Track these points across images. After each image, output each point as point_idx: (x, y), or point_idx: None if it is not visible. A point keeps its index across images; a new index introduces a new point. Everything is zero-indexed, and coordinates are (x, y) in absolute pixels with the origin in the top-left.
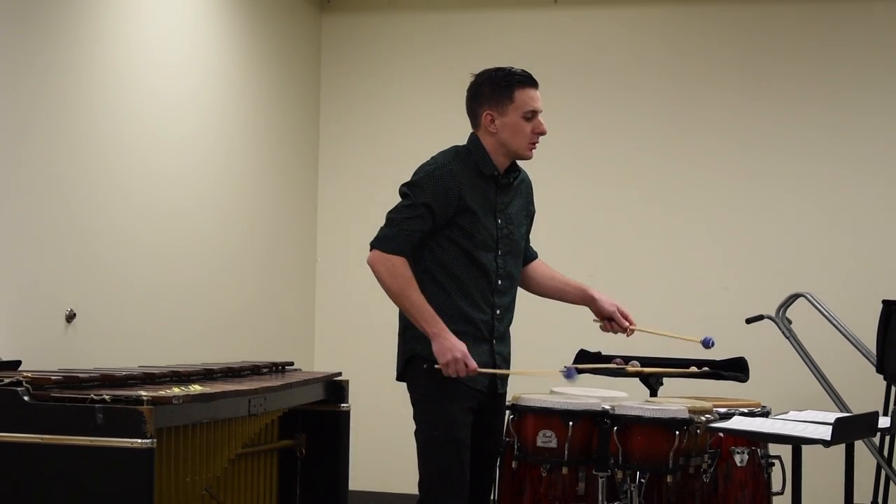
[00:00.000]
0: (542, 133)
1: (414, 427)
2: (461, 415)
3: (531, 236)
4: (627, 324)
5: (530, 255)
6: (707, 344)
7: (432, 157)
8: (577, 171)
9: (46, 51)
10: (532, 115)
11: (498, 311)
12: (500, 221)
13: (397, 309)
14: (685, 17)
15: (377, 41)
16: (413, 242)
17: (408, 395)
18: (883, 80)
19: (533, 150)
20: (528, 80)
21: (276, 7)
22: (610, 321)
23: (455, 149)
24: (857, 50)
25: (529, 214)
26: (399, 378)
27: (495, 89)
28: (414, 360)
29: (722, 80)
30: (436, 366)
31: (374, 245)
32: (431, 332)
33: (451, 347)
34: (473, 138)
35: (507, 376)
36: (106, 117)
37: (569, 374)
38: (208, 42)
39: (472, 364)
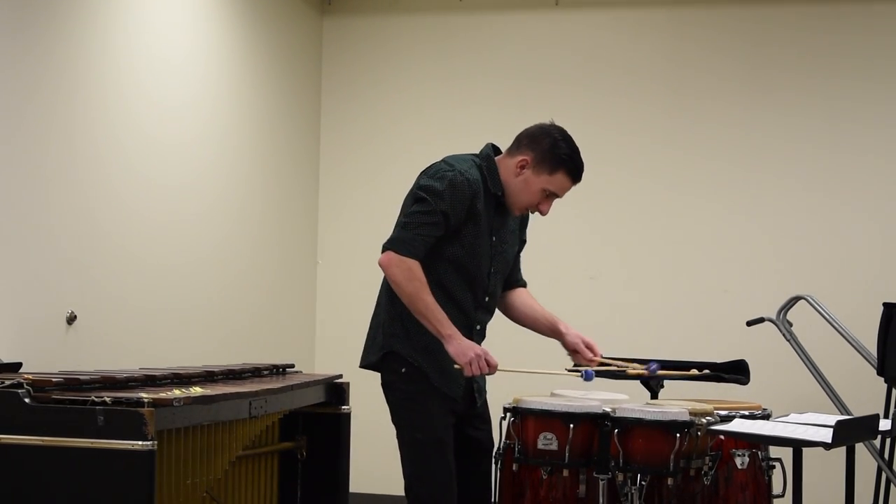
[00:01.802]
0: (542, 214)
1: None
2: (442, 416)
3: (521, 265)
4: (590, 355)
5: (519, 283)
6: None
7: (449, 163)
8: None
9: (44, 54)
10: (551, 195)
11: (479, 327)
12: (494, 239)
13: (375, 304)
14: (686, 19)
15: (378, 43)
16: (427, 247)
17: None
18: (883, 84)
19: (520, 213)
20: (576, 173)
21: (276, 9)
22: (575, 353)
23: (471, 159)
24: (857, 54)
25: (521, 239)
26: (367, 366)
27: (549, 153)
28: (391, 358)
29: (723, 82)
30: (455, 366)
31: (390, 247)
32: (446, 335)
33: (470, 346)
34: (490, 156)
35: (482, 388)
36: (105, 119)
37: (587, 375)
38: (208, 44)
39: (493, 360)
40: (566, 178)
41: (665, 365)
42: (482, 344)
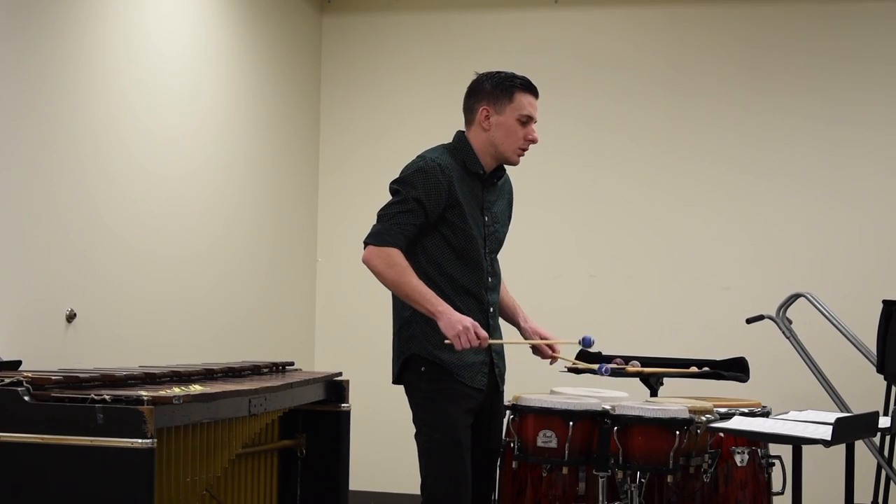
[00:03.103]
0: (534, 141)
1: (414, 429)
2: (462, 416)
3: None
4: (550, 353)
5: None
6: (586, 343)
7: (419, 155)
8: (577, 171)
9: (45, 50)
10: (527, 120)
11: (491, 309)
12: (486, 219)
13: (392, 309)
14: (685, 19)
15: (377, 41)
16: (407, 236)
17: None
18: (885, 81)
19: (520, 157)
20: (529, 87)
21: (276, 7)
22: (535, 349)
23: (442, 146)
24: (860, 49)
25: (510, 217)
26: (396, 381)
27: (496, 87)
28: (410, 360)
29: (722, 79)
30: (446, 342)
31: (368, 241)
32: (436, 311)
33: (458, 319)
34: (460, 136)
35: (503, 373)
36: (107, 118)
37: (586, 341)
38: (208, 42)
39: (483, 333)
40: (525, 95)
41: (664, 363)
42: (497, 321)
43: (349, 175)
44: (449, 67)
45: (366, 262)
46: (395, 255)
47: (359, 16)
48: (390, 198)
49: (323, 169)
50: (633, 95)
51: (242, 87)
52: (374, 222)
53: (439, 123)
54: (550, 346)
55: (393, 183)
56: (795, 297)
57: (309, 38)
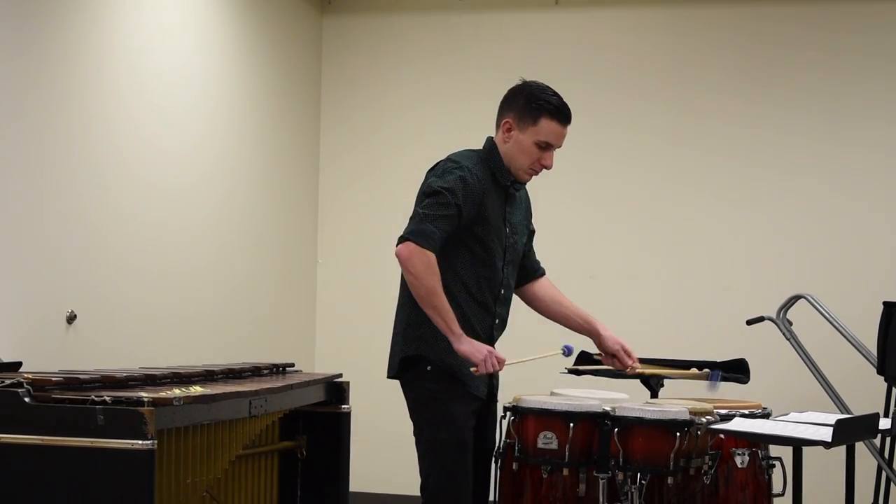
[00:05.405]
0: (546, 167)
1: (413, 428)
2: (466, 417)
3: (535, 250)
4: (630, 362)
5: (538, 272)
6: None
7: (455, 160)
8: (577, 173)
9: (46, 54)
10: (546, 146)
11: (497, 321)
12: (507, 230)
13: (395, 308)
14: (685, 20)
15: (378, 43)
16: (443, 242)
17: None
18: (883, 85)
19: (529, 177)
20: (559, 115)
21: (276, 9)
22: (612, 357)
23: (476, 153)
24: (858, 55)
25: (529, 227)
26: (392, 376)
27: (526, 105)
28: (415, 360)
29: (722, 82)
30: (472, 368)
31: (410, 238)
32: (457, 334)
33: (480, 344)
34: (491, 144)
35: (498, 382)
36: (108, 119)
37: (567, 350)
38: (208, 45)
39: (502, 357)
40: (552, 122)
41: (665, 364)
42: (501, 334)
43: (350, 178)
44: (450, 68)
45: (404, 258)
46: (434, 263)
47: (359, 17)
48: (426, 195)
49: (323, 171)
50: (634, 95)
51: (243, 90)
52: (414, 216)
53: (439, 125)
54: (629, 356)
55: (435, 183)
56: (796, 298)
57: (309, 40)
